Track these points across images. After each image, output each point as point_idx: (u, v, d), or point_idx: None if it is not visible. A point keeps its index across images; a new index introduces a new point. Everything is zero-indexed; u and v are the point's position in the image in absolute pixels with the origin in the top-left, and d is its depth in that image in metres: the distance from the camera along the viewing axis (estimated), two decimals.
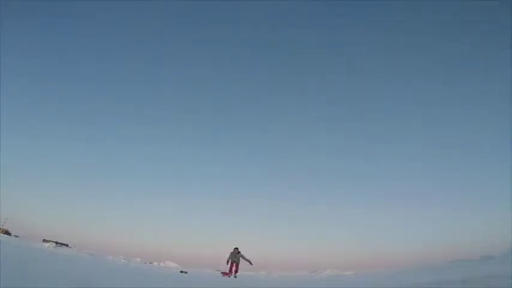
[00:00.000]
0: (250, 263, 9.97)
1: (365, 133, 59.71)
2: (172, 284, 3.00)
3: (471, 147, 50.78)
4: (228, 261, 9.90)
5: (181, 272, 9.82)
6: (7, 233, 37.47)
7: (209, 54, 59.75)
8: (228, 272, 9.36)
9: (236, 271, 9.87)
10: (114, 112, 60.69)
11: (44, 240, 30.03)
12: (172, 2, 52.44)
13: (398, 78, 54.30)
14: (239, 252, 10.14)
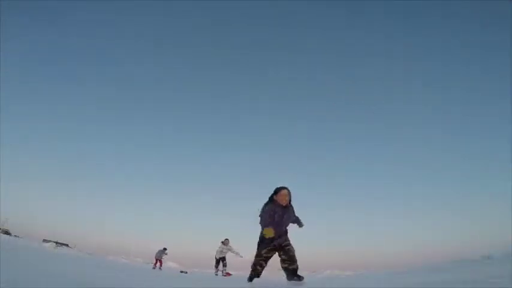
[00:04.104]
0: (240, 256, 9.13)
1: (364, 134, 59.82)
2: (173, 284, 3.01)
3: (471, 147, 50.99)
4: (217, 259, 9.21)
5: (182, 272, 9.85)
6: (7, 233, 37.49)
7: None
8: (228, 272, 9.52)
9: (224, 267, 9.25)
10: (114, 112, 60.73)
11: (44, 240, 30.09)
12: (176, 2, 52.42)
13: (398, 80, 54.62)
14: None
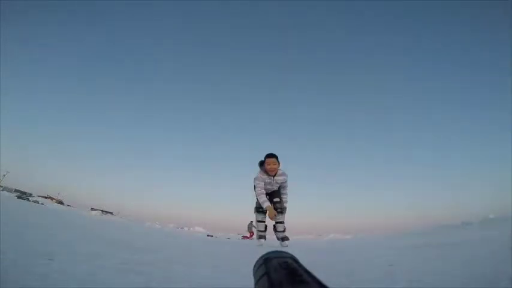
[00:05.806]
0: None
1: (363, 125, 56.22)
2: (200, 244, 3.36)
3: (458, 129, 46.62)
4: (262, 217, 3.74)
5: (208, 235, 10.76)
6: (61, 202, 42.96)
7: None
8: (249, 235, 9.56)
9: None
10: (155, 104, 62.17)
11: (92, 209, 34.12)
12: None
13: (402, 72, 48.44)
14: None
